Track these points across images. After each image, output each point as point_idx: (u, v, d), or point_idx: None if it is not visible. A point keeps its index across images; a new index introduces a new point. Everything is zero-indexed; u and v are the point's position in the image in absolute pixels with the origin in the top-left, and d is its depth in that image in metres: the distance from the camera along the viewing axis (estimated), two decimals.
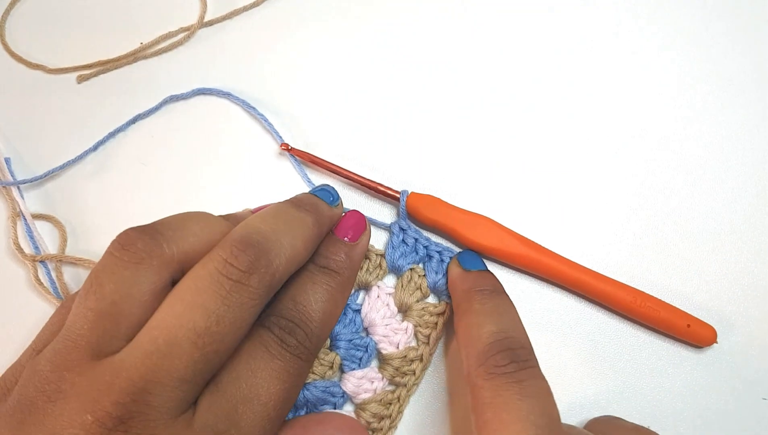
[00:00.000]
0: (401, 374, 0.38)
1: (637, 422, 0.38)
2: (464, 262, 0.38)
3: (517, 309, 0.40)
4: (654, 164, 0.44)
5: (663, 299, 0.39)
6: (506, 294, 0.37)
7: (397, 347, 0.38)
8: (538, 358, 0.39)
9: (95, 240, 0.42)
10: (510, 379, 0.31)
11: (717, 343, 0.38)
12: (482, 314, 0.35)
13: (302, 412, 0.37)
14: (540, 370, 0.32)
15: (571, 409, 0.38)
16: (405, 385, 0.38)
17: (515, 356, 0.32)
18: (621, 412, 0.38)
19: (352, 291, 0.40)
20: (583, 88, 0.46)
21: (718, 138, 0.44)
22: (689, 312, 0.39)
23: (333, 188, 0.38)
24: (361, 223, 0.38)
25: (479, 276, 0.38)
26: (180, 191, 0.43)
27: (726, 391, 0.39)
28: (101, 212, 0.43)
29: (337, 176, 0.43)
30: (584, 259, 0.40)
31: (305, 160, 0.43)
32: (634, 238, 0.42)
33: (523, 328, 0.35)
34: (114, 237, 0.42)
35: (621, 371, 0.39)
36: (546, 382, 0.32)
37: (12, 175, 0.43)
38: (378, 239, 0.42)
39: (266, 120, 0.44)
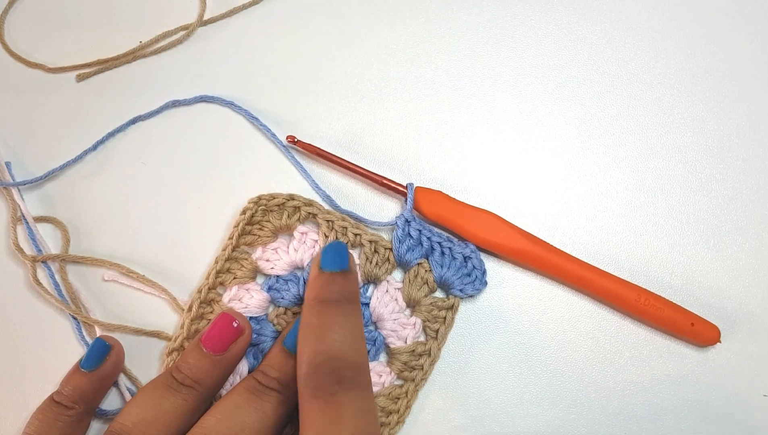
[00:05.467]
0: (409, 369, 0.38)
1: (638, 419, 0.38)
2: (323, 260, 0.37)
3: (519, 305, 0.40)
4: (655, 161, 0.44)
5: (664, 297, 0.39)
6: (353, 303, 0.36)
7: (405, 342, 0.38)
8: (538, 355, 0.39)
9: (98, 240, 0.42)
10: (329, 400, 0.32)
11: (720, 342, 0.38)
12: (315, 330, 0.34)
13: None
14: (366, 390, 0.33)
15: (573, 406, 0.38)
16: (413, 380, 0.38)
17: (338, 377, 0.32)
18: (622, 409, 0.38)
19: (361, 284, 0.40)
20: (586, 84, 0.46)
21: (719, 134, 0.44)
22: (691, 309, 0.39)
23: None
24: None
25: (327, 282, 0.36)
26: (179, 191, 0.43)
27: (727, 387, 0.39)
28: (102, 212, 0.42)
29: (343, 169, 0.42)
30: (588, 256, 0.40)
31: (311, 152, 0.42)
32: (635, 235, 0.42)
33: (360, 343, 0.34)
34: (116, 236, 0.42)
35: (622, 368, 0.39)
36: (371, 401, 0.33)
37: (12, 177, 0.43)
38: (384, 234, 0.41)
39: (269, 130, 0.44)
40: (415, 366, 0.38)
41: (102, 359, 0.37)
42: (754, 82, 0.46)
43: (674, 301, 0.39)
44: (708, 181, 0.43)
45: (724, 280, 0.41)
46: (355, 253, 0.40)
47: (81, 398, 0.36)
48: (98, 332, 0.39)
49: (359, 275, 0.40)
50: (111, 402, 0.38)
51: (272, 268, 0.40)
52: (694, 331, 0.38)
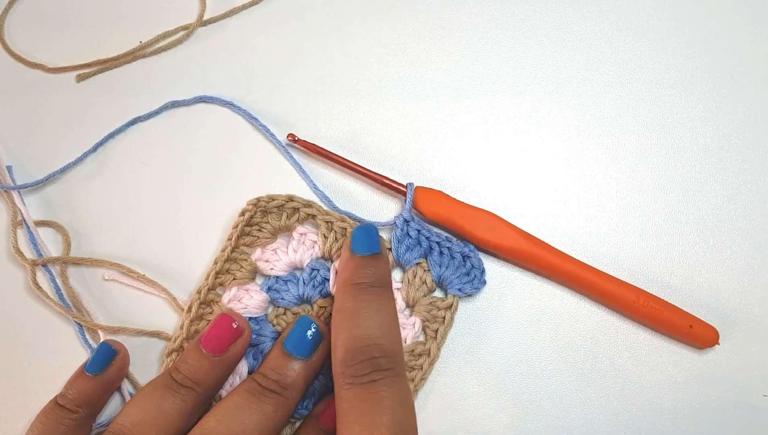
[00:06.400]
0: (409, 369, 0.38)
1: (638, 419, 0.38)
2: (353, 243, 0.36)
3: (519, 305, 0.40)
4: (655, 161, 0.44)
5: (663, 297, 0.39)
6: (385, 288, 0.35)
7: (405, 342, 0.38)
8: (538, 355, 0.39)
9: (98, 241, 0.42)
10: (368, 389, 0.31)
11: (719, 344, 0.38)
12: (351, 315, 0.34)
13: (311, 402, 0.38)
14: (403, 379, 0.32)
15: (572, 407, 0.38)
16: (413, 380, 0.38)
17: (376, 365, 0.32)
18: (622, 409, 0.38)
19: None
20: (585, 84, 0.46)
21: (718, 134, 0.44)
22: (690, 309, 0.39)
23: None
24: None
25: (360, 265, 0.36)
26: (179, 192, 0.43)
27: (726, 387, 0.39)
28: (103, 213, 0.42)
29: (343, 168, 0.42)
30: (587, 256, 0.40)
31: (311, 151, 0.42)
32: (634, 236, 0.42)
33: (395, 330, 0.34)
34: (116, 237, 0.41)
35: (621, 368, 0.39)
36: (407, 391, 0.32)
37: (13, 181, 0.43)
38: (384, 234, 0.41)
39: (268, 130, 0.44)
40: (414, 366, 0.38)
41: (107, 363, 0.37)
42: (754, 82, 0.46)
43: (673, 302, 0.39)
44: (707, 182, 0.43)
45: (723, 281, 0.41)
46: None
47: (85, 402, 0.35)
48: (101, 335, 0.39)
49: None
50: (112, 406, 0.38)
51: (271, 268, 0.40)
52: (693, 334, 0.38)
